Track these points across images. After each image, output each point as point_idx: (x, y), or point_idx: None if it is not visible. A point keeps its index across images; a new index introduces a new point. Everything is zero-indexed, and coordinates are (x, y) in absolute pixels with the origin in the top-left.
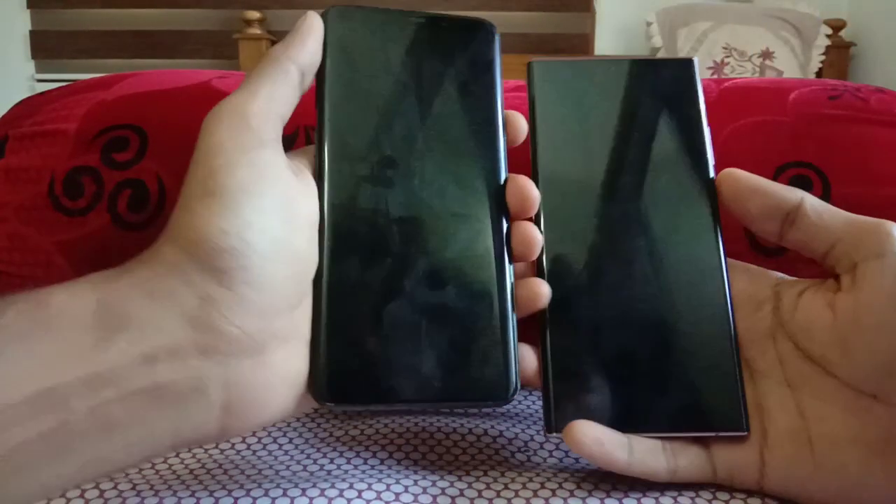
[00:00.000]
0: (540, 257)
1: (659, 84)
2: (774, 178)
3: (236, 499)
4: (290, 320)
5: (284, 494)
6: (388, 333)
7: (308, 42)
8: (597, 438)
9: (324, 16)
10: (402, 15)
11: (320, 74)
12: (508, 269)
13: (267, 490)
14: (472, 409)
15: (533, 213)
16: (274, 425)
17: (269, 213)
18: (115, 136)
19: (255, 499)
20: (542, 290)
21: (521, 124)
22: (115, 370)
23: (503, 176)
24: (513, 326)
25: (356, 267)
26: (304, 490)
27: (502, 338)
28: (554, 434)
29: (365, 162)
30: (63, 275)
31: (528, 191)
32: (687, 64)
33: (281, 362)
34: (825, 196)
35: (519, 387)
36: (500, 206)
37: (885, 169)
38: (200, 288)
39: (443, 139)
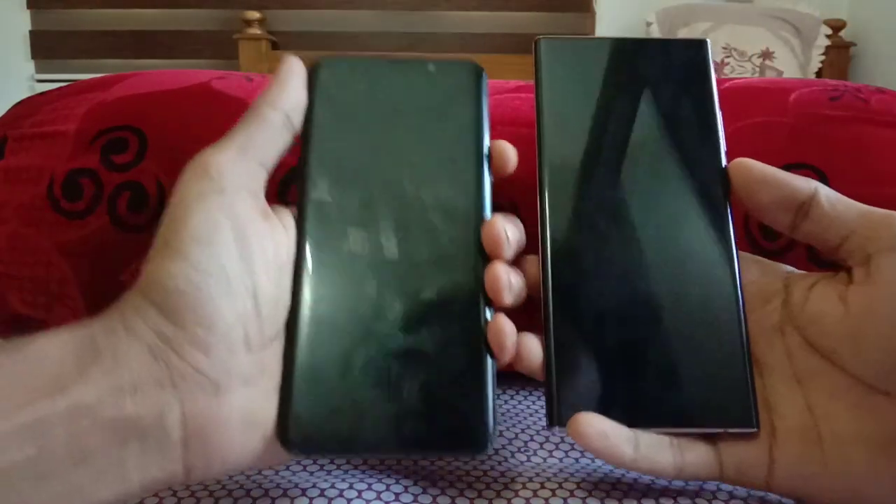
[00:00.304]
0: (544, 244)
1: (670, 65)
2: None
3: (236, 499)
4: (254, 362)
5: (284, 494)
6: (361, 381)
7: (288, 85)
8: (602, 431)
9: (312, 67)
10: (389, 63)
11: (305, 121)
12: (487, 314)
13: (267, 490)
14: (448, 458)
15: (506, 256)
16: None
17: (220, 257)
18: (115, 137)
19: (255, 499)
20: (505, 329)
21: (509, 154)
22: (91, 402)
23: (486, 218)
24: (490, 373)
25: (328, 312)
26: (304, 490)
27: (479, 386)
28: (556, 427)
29: (344, 206)
30: (63, 275)
31: (498, 233)
32: (700, 45)
33: (244, 404)
34: None
35: (496, 435)
36: (480, 249)
37: (887, 169)
38: (157, 326)
39: (425, 183)
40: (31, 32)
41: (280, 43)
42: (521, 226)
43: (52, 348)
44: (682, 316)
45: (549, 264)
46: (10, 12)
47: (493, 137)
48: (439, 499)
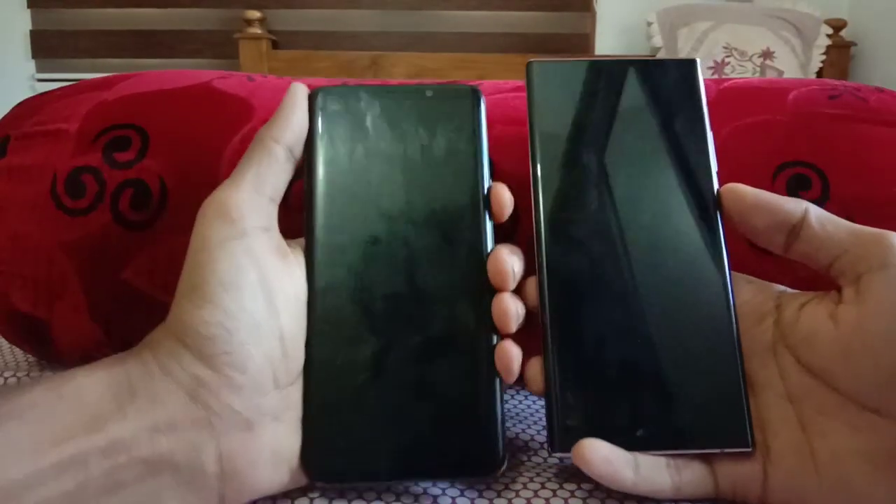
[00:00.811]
0: (541, 271)
1: (660, 86)
2: (774, 178)
3: None
4: (281, 398)
5: (286, 495)
6: (376, 412)
7: (292, 118)
8: (605, 457)
9: (311, 97)
10: (387, 91)
11: (309, 154)
12: (493, 339)
13: None
14: (462, 483)
15: (510, 287)
16: None
17: (248, 301)
18: (117, 135)
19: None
20: (512, 353)
21: (505, 200)
22: (127, 439)
23: (488, 249)
24: (499, 399)
25: (342, 345)
26: (304, 490)
27: (489, 413)
28: (558, 454)
29: (350, 241)
30: (65, 273)
31: (504, 267)
32: (689, 65)
33: (273, 439)
34: (824, 195)
35: (507, 458)
36: (484, 280)
37: (885, 168)
38: (192, 370)
39: (428, 214)
40: (31, 32)
41: (280, 42)
42: (521, 255)
43: (89, 387)
44: (678, 339)
45: (545, 294)
46: (10, 12)
47: (492, 137)
48: (440, 499)
